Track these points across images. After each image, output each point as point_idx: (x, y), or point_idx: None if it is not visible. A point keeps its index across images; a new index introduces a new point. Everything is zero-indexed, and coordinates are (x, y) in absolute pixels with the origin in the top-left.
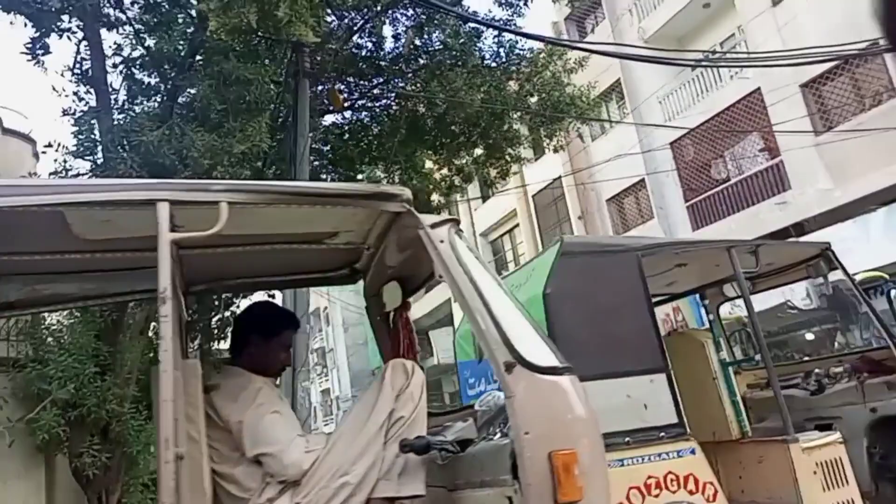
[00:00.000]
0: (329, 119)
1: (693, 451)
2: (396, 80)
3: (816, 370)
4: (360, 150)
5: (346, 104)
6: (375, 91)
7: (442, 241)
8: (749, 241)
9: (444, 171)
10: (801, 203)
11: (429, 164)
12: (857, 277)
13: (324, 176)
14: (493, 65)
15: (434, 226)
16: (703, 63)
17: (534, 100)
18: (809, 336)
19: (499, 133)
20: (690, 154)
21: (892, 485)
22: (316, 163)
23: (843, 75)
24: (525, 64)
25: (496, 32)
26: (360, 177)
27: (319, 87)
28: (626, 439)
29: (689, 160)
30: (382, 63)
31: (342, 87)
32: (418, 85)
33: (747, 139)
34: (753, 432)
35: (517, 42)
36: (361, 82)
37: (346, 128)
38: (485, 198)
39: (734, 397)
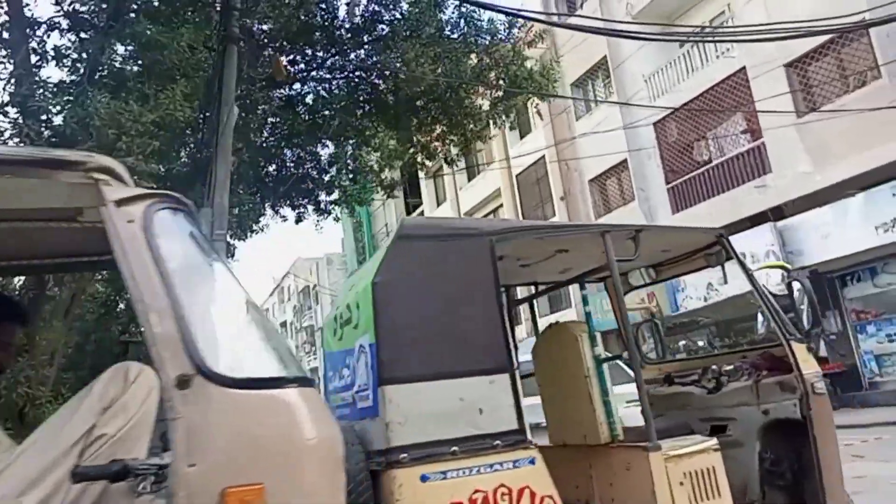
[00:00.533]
0: (284, 92)
1: (532, 462)
2: (351, 52)
3: (713, 367)
4: (314, 125)
5: (302, 75)
6: (329, 63)
7: (131, 221)
8: (629, 225)
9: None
10: (781, 186)
11: (394, 143)
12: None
13: (287, 152)
14: (454, 36)
15: (123, 202)
16: (689, 39)
17: (492, 74)
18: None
19: (459, 108)
20: (673, 134)
21: (780, 492)
22: (272, 138)
23: (828, 55)
24: (484, 35)
25: (458, 2)
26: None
27: (268, 56)
28: (453, 449)
29: (671, 141)
30: (336, 33)
31: (297, 57)
32: (373, 57)
33: (730, 120)
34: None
35: (475, 12)
36: (318, 53)
37: (299, 101)
38: (470, 177)
39: (606, 397)
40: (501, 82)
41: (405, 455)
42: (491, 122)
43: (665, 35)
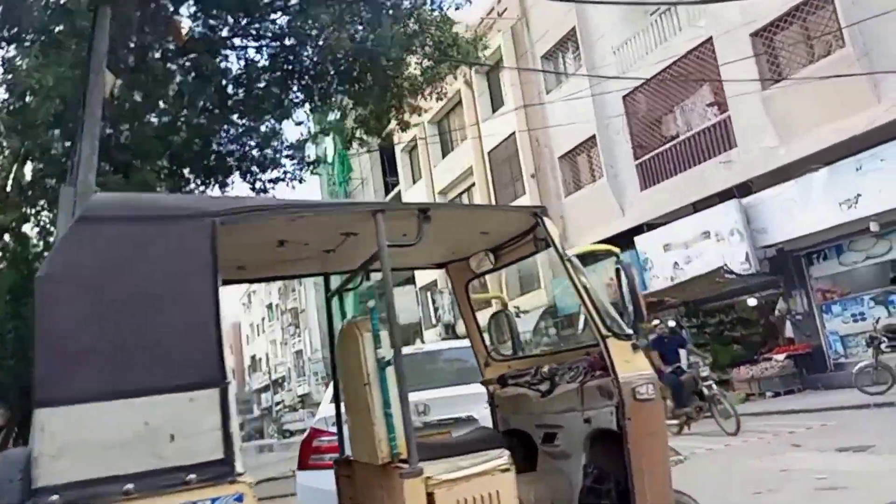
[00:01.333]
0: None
1: (239, 499)
2: (267, 18)
3: (547, 366)
4: (224, 96)
5: (213, 44)
6: (248, 30)
7: None
8: (412, 204)
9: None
10: (746, 162)
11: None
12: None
13: (217, 126)
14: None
15: None
16: (652, 1)
17: (416, 41)
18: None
19: (389, 78)
20: (642, 109)
21: None
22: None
23: (794, 24)
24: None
25: None
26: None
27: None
28: (127, 487)
29: (640, 115)
30: None
31: (213, 23)
32: (287, 23)
33: (697, 94)
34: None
35: None
36: (230, 19)
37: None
38: (445, 153)
39: (388, 408)
40: (426, 49)
41: (56, 497)
42: (419, 93)
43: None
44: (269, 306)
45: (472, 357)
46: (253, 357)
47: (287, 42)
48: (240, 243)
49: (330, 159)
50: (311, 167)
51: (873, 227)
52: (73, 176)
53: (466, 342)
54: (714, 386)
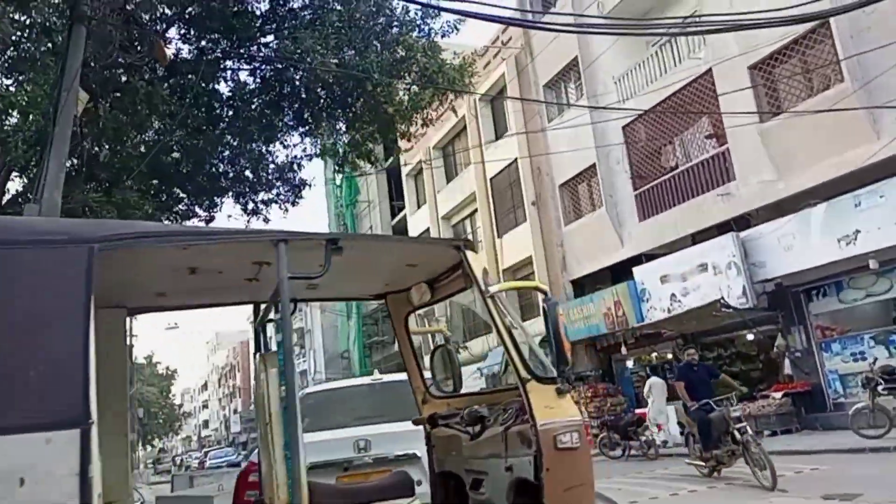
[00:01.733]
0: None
1: None
2: (255, 41)
3: (479, 407)
4: (213, 118)
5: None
6: (237, 52)
7: None
8: (319, 234)
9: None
10: (745, 195)
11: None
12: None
13: (210, 148)
14: (365, 25)
15: None
16: (652, 32)
17: (403, 67)
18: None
19: (373, 102)
20: (642, 139)
21: None
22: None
23: (793, 57)
24: (396, 25)
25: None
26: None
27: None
28: None
29: (640, 146)
30: (234, 21)
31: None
32: (276, 46)
33: (697, 125)
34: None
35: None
36: (223, 41)
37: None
38: (449, 178)
39: (288, 451)
40: (411, 76)
41: None
42: (408, 119)
43: (629, 28)
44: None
45: None
46: None
47: (278, 65)
48: (148, 269)
49: (338, 182)
50: (299, 191)
51: (872, 264)
52: (37, 194)
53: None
54: (748, 429)
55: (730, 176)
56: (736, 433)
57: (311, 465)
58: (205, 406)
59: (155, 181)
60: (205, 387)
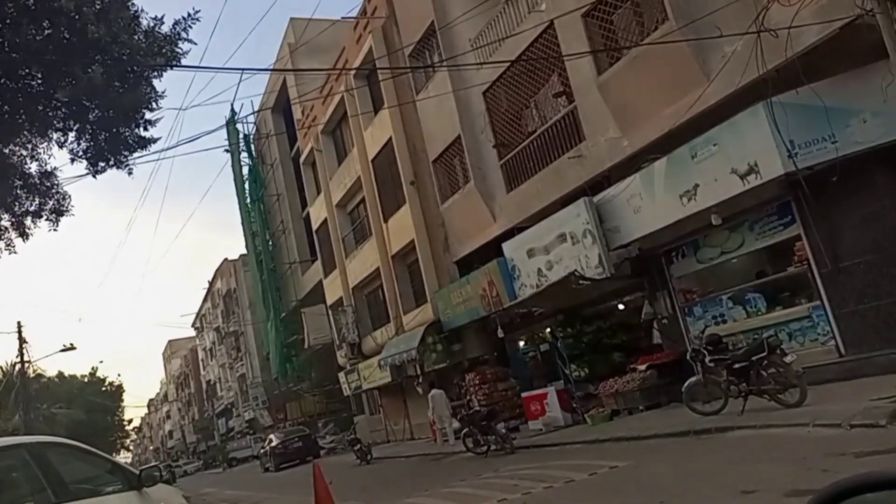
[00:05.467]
0: None
1: None
2: None
3: None
4: None
5: None
6: None
7: None
8: None
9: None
10: (595, 155)
11: None
12: None
13: None
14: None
15: None
16: None
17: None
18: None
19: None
20: (503, 104)
21: None
22: None
23: (626, 1)
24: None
25: None
26: None
27: None
28: None
29: (501, 112)
30: None
31: None
32: None
33: (548, 84)
34: None
35: None
36: None
37: None
38: (340, 161)
39: None
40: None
41: None
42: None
43: None
44: (217, 329)
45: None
46: (209, 382)
47: None
48: None
49: (245, 175)
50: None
51: (715, 219)
52: None
53: None
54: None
55: (580, 136)
56: None
57: None
58: (168, 416)
59: None
60: (165, 397)
